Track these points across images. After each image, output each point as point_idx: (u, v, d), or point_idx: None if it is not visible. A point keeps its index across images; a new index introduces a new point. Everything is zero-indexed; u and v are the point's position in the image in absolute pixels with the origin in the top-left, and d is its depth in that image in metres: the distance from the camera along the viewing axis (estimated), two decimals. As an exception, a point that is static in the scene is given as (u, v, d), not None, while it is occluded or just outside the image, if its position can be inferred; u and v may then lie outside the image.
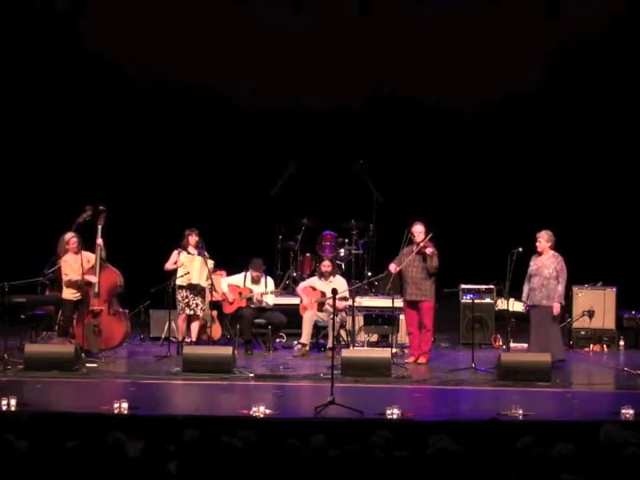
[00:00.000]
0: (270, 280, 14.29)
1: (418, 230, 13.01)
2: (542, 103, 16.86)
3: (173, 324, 13.76)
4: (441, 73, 16.40)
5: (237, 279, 14.12)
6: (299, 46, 16.44)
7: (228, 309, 14.06)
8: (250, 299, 13.96)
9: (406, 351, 13.48)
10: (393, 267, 13.02)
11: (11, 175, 16.32)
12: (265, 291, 13.98)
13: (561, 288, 12.57)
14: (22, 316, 13.36)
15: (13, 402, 9.64)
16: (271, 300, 14.07)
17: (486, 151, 16.84)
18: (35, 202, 16.16)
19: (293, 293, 14.76)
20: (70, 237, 13.03)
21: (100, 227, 12.94)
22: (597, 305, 14.59)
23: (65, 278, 13.01)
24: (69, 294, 13.02)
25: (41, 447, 6.61)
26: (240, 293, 14.00)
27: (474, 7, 16.29)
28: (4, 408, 9.60)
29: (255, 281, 14.04)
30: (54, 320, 13.68)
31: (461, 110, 16.97)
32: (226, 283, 14.06)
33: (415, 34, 16.40)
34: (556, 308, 12.50)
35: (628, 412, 9.54)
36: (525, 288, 12.82)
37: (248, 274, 14.02)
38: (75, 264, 12.96)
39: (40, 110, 16.51)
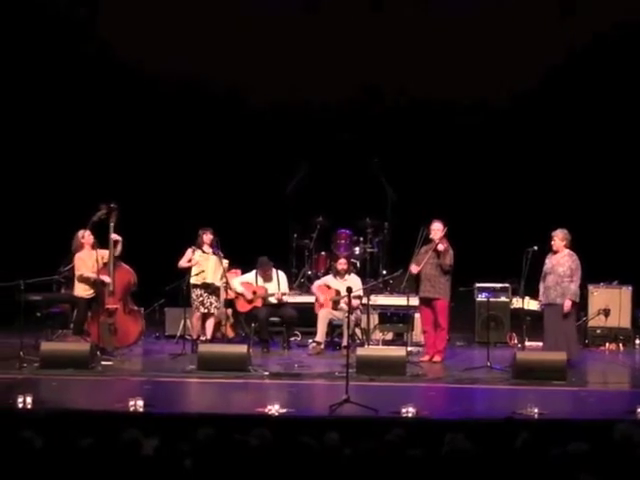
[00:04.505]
0: (282, 275, 14.28)
1: (436, 227, 13.00)
2: (556, 101, 16.81)
3: (188, 322, 13.78)
4: (455, 70, 16.38)
5: (249, 278, 14.13)
6: (313, 44, 16.44)
7: (243, 307, 14.07)
8: (265, 298, 13.97)
9: (421, 349, 13.46)
10: (414, 269, 13.00)
11: (27, 174, 16.36)
12: (283, 292, 14.00)
13: (574, 286, 12.53)
14: (38, 314, 13.39)
15: (29, 400, 9.66)
16: (287, 298, 14.12)
17: (502, 149, 16.81)
18: (51, 201, 16.19)
19: (308, 291, 14.76)
20: (84, 233, 13.05)
21: (112, 225, 12.95)
22: (613, 304, 14.54)
23: (77, 273, 12.98)
24: (82, 291, 13.01)
25: (56, 445, 6.63)
26: (254, 292, 14.01)
27: (489, 3, 16.29)
28: (20, 406, 9.61)
29: (267, 279, 14.06)
30: (70, 318, 13.70)
31: (476, 108, 16.93)
32: (238, 282, 14.07)
33: (429, 31, 16.37)
34: (567, 305, 12.44)
35: (644, 411, 9.51)
36: (541, 287, 12.79)
37: (259, 274, 14.03)
38: (89, 261, 12.97)
39: (55, 110, 16.55)
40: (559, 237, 12.65)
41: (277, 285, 14.05)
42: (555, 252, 12.69)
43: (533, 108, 16.89)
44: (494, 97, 16.80)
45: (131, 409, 9.50)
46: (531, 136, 16.83)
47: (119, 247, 13.05)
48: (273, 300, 14.00)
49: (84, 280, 12.99)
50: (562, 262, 12.58)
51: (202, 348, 12.42)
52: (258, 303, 13.97)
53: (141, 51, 16.57)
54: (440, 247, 12.86)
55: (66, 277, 13.62)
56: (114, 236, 12.96)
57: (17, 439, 6.62)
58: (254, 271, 14.09)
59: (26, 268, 12.95)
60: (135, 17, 16.41)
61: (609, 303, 14.55)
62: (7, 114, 16.35)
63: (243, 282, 14.09)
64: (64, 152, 16.56)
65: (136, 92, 16.82)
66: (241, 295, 13.98)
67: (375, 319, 14.20)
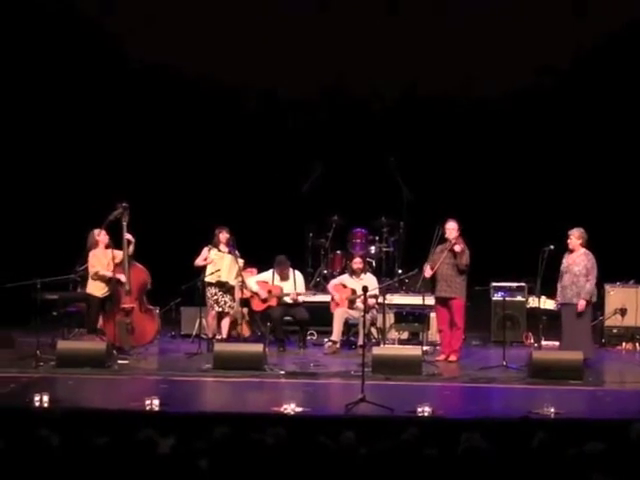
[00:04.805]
0: (299, 275, 14.30)
1: (451, 227, 12.99)
2: (571, 99, 16.76)
3: (204, 321, 13.79)
4: (470, 69, 16.36)
5: (265, 277, 14.14)
6: (328, 42, 16.42)
7: (258, 307, 14.08)
8: (281, 297, 13.98)
9: (437, 349, 13.45)
10: (427, 271, 12.99)
11: (43, 173, 16.39)
12: (299, 292, 14.01)
13: (590, 286, 12.50)
14: (54, 313, 13.43)
15: (45, 398, 9.69)
16: (302, 297, 14.12)
17: (518, 148, 16.77)
18: (66, 200, 16.21)
19: (324, 291, 14.76)
20: (99, 231, 13.07)
21: (125, 224, 12.96)
22: (629, 303, 14.49)
23: (92, 270, 12.99)
24: (95, 290, 13.02)
25: (73, 443, 6.65)
26: (270, 291, 14.02)
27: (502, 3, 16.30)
28: (37, 404, 9.65)
29: (283, 278, 14.07)
30: (86, 317, 13.74)
31: (491, 107, 16.89)
32: (254, 281, 14.09)
33: (444, 30, 16.35)
34: (581, 305, 12.42)
35: (660, 411, 9.48)
36: (558, 286, 12.76)
37: (275, 273, 14.04)
38: (104, 259, 13.00)
39: (71, 109, 16.58)
40: (575, 236, 12.62)
41: (293, 285, 14.06)
42: (571, 251, 12.67)
43: (549, 107, 16.84)
44: (509, 96, 16.76)
45: (147, 408, 9.51)
46: (547, 135, 16.79)
47: (131, 247, 13.08)
48: (288, 300, 14.01)
49: (99, 278, 13.00)
50: (578, 261, 12.55)
51: (218, 347, 12.44)
52: (273, 302, 13.98)
53: (156, 50, 16.58)
54: (457, 248, 12.84)
55: (82, 276, 13.64)
56: (127, 235, 12.99)
57: (34, 438, 6.64)
58: (271, 270, 14.11)
59: (42, 267, 12.99)
60: (148, 16, 16.43)
61: (625, 302, 14.51)
62: (22, 114, 16.37)
63: (259, 281, 14.11)
64: (81, 151, 16.58)
65: (154, 91, 16.85)
66: (256, 294, 14.00)
67: (391, 318, 14.18)
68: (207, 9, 16.47)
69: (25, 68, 16.42)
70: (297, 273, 14.29)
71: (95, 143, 16.68)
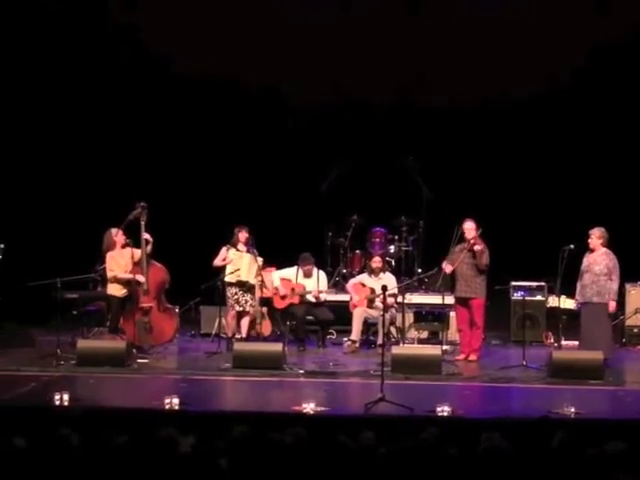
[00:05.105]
0: (322, 274, 14.32)
1: (468, 227, 12.97)
2: (590, 98, 16.69)
3: (223, 320, 13.81)
4: (489, 70, 16.31)
5: (289, 273, 14.16)
6: (347, 43, 16.41)
7: (279, 304, 14.09)
8: (303, 295, 14.00)
9: (456, 348, 13.43)
10: (447, 267, 12.97)
11: (63, 173, 16.43)
12: (321, 289, 14.02)
13: (615, 286, 12.47)
14: (74, 312, 13.47)
15: (66, 397, 9.73)
16: (324, 296, 14.12)
17: (538, 147, 16.73)
18: (86, 199, 16.25)
19: (343, 290, 14.75)
20: (116, 231, 13.09)
21: (143, 223, 12.98)
22: (650, 302, 14.46)
23: (110, 274, 13.04)
24: (115, 290, 13.06)
25: (93, 442, 6.66)
26: (293, 289, 14.04)
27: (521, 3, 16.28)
28: (57, 403, 9.69)
29: (307, 275, 14.08)
30: (106, 316, 13.78)
31: (509, 106, 16.85)
32: (278, 276, 14.11)
33: (463, 31, 16.31)
34: (612, 306, 12.41)
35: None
36: (578, 285, 12.73)
37: (300, 271, 14.06)
38: (121, 260, 13.02)
39: (90, 110, 16.61)
40: (596, 235, 12.59)
41: (317, 283, 14.07)
42: (592, 250, 12.63)
43: (569, 106, 16.78)
44: (529, 96, 16.71)
45: (167, 407, 9.53)
46: (568, 134, 16.73)
47: (149, 246, 13.11)
48: (310, 298, 14.02)
49: (117, 280, 13.04)
50: (598, 260, 12.51)
51: (237, 346, 12.45)
52: (295, 300, 14.00)
53: (176, 50, 16.61)
54: (476, 248, 12.82)
55: (102, 275, 13.68)
56: (146, 235, 13.01)
57: (54, 436, 6.66)
58: (295, 267, 14.12)
59: (63, 266, 13.03)
60: (172, 17, 16.46)
61: (646, 302, 14.46)
62: (44, 115, 16.42)
63: (282, 278, 14.12)
64: (101, 151, 16.62)
65: (172, 91, 16.87)
66: (276, 289, 14.02)
67: (410, 317, 14.19)
68: (229, 12, 16.46)
69: (41, 68, 16.45)
70: (321, 272, 14.31)
71: (115, 143, 16.71)
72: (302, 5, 16.57)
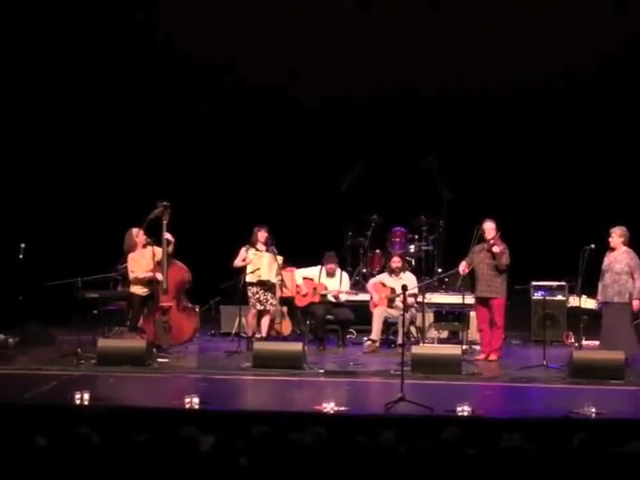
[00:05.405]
0: (345, 275, 14.34)
1: (488, 227, 12.94)
2: (610, 96, 16.61)
3: (243, 320, 13.82)
4: (512, 66, 16.25)
5: (312, 273, 14.16)
6: (365, 42, 16.40)
7: (300, 302, 14.09)
8: (324, 295, 14.00)
9: (477, 348, 13.40)
10: (462, 267, 12.95)
11: (84, 172, 16.48)
12: (341, 290, 14.02)
13: (638, 284, 12.40)
14: (95, 311, 13.48)
15: (86, 396, 9.76)
16: (344, 296, 14.11)
17: (559, 146, 16.68)
18: (107, 198, 16.30)
19: (363, 289, 14.75)
20: (137, 231, 13.12)
21: (165, 223, 13.00)
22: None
23: (131, 275, 13.08)
24: (137, 289, 13.11)
25: (113, 441, 6.68)
26: (315, 288, 14.04)
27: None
28: (78, 402, 9.72)
29: (330, 274, 14.09)
30: (126, 315, 13.81)
31: (531, 105, 16.80)
32: (301, 276, 14.12)
33: (481, 26, 16.27)
34: (636, 305, 12.34)
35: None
36: (599, 285, 12.68)
37: (323, 270, 14.07)
38: (142, 260, 13.05)
39: (112, 109, 16.65)
40: (617, 234, 12.54)
41: (339, 283, 14.08)
42: (613, 249, 12.58)
43: (589, 104, 16.71)
44: (549, 94, 16.67)
45: (187, 406, 9.55)
46: (587, 133, 16.67)
47: (171, 246, 13.12)
48: (330, 298, 14.03)
49: (138, 281, 13.07)
50: (620, 259, 12.46)
51: (257, 346, 12.46)
52: (315, 299, 14.00)
53: (198, 47, 16.61)
54: (496, 249, 12.79)
55: (122, 275, 13.71)
56: (167, 235, 13.03)
57: (74, 436, 6.68)
58: (319, 266, 14.13)
59: (83, 266, 13.07)
60: (194, 13, 16.48)
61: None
62: (65, 114, 16.47)
63: (305, 277, 14.13)
64: (123, 150, 16.66)
65: (192, 90, 16.90)
66: (298, 289, 14.03)
67: (430, 317, 14.16)
68: (256, 10, 16.48)
69: (64, 67, 16.49)
70: (344, 274, 14.32)
71: (137, 143, 16.74)
72: (321, 4, 16.56)
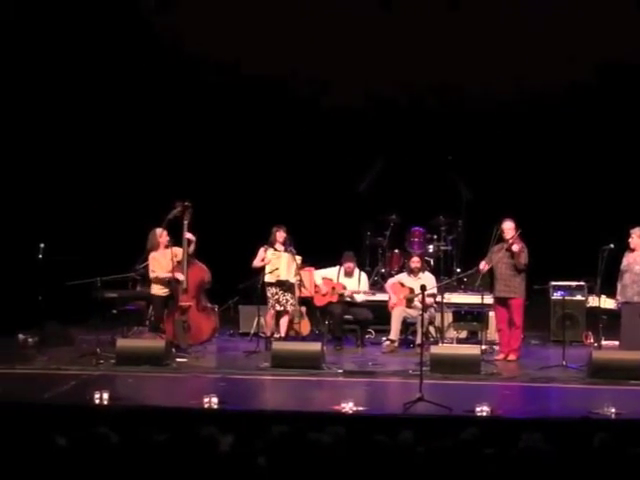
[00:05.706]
0: (364, 276, 14.33)
1: (508, 227, 12.91)
2: (631, 96, 16.54)
3: (262, 320, 13.83)
4: (528, 67, 16.21)
5: (331, 272, 14.17)
6: (384, 42, 16.38)
7: (319, 301, 14.10)
8: (342, 295, 14.00)
9: (496, 348, 13.37)
10: (482, 265, 12.94)
11: (104, 172, 16.52)
12: (358, 290, 14.01)
13: (658, 284, 12.38)
14: (114, 311, 13.54)
15: (105, 396, 9.78)
16: (361, 297, 14.10)
17: (578, 146, 16.61)
18: (126, 198, 16.34)
19: (382, 289, 14.74)
20: (161, 231, 13.14)
21: (186, 223, 13.01)
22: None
23: (152, 275, 13.10)
24: (157, 289, 13.13)
25: (132, 441, 6.69)
26: (333, 287, 14.05)
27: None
28: (97, 402, 9.74)
29: (348, 274, 14.09)
30: (145, 315, 13.84)
31: (550, 105, 16.74)
32: (320, 276, 14.13)
33: (501, 26, 16.23)
34: (654, 306, 12.33)
35: None
36: (618, 285, 12.65)
37: (342, 269, 14.07)
38: (163, 260, 13.06)
39: (132, 109, 16.67)
40: (637, 234, 12.51)
41: (357, 284, 14.08)
42: (632, 250, 12.54)
43: (609, 104, 16.63)
44: (568, 94, 16.60)
45: (206, 406, 9.56)
46: (607, 132, 16.61)
47: (192, 246, 13.13)
48: (345, 296, 14.03)
49: (159, 281, 13.09)
50: (639, 260, 12.42)
51: (276, 345, 12.47)
52: (333, 298, 14.00)
53: (215, 48, 16.62)
54: (515, 248, 12.76)
55: (141, 274, 13.75)
56: (188, 235, 13.04)
57: (93, 435, 6.69)
58: (337, 266, 14.14)
59: (102, 266, 13.10)
60: (209, 13, 16.50)
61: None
62: (85, 114, 16.51)
63: (325, 277, 14.14)
64: (141, 150, 16.68)
65: (212, 91, 16.91)
66: (317, 289, 14.04)
67: (449, 317, 14.16)
68: (274, 10, 16.48)
69: (81, 66, 16.52)
70: (363, 275, 14.31)
71: (157, 143, 16.76)
72: (342, 4, 16.54)
